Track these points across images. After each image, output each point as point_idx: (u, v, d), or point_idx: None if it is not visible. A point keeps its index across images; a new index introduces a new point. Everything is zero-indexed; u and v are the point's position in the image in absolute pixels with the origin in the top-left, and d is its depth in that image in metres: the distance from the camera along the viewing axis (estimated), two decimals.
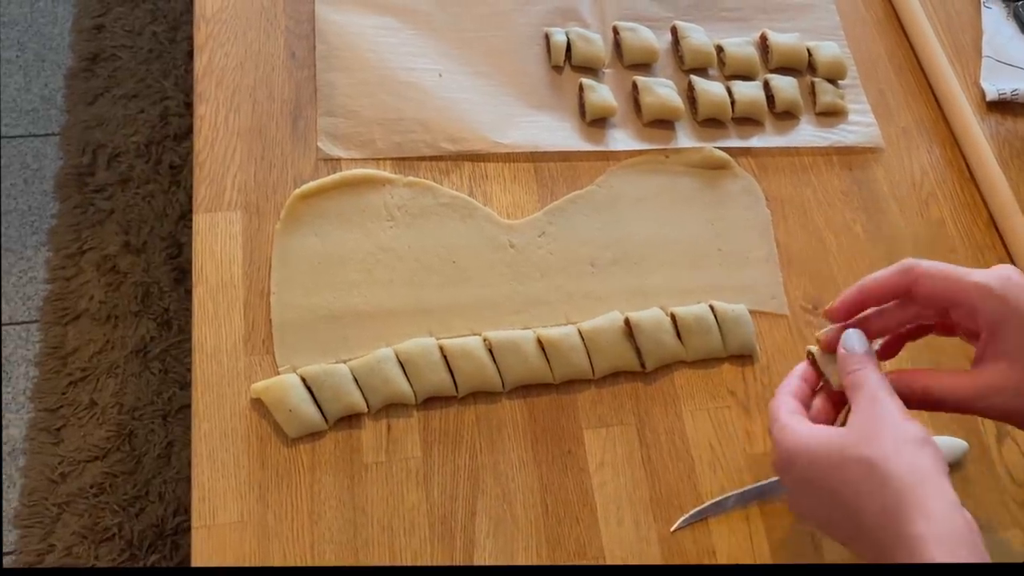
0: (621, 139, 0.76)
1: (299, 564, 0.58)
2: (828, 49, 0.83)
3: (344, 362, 0.63)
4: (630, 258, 0.71)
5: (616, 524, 0.61)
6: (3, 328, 1.30)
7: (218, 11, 0.75)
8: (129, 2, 1.55)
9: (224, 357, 0.63)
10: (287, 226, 0.67)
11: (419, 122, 0.73)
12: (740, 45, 0.81)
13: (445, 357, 0.64)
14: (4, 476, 1.20)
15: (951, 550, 0.42)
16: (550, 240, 0.70)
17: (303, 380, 0.61)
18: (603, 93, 0.76)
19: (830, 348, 0.55)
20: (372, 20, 0.77)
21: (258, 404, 0.61)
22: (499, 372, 0.64)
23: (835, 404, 0.55)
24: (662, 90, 0.77)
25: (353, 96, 0.73)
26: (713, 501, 0.63)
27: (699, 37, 0.81)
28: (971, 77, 0.85)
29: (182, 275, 1.33)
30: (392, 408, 0.63)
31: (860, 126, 0.81)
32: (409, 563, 0.59)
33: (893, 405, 0.48)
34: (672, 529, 0.62)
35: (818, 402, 0.55)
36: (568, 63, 0.79)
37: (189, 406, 0.62)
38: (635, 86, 0.77)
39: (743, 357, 0.69)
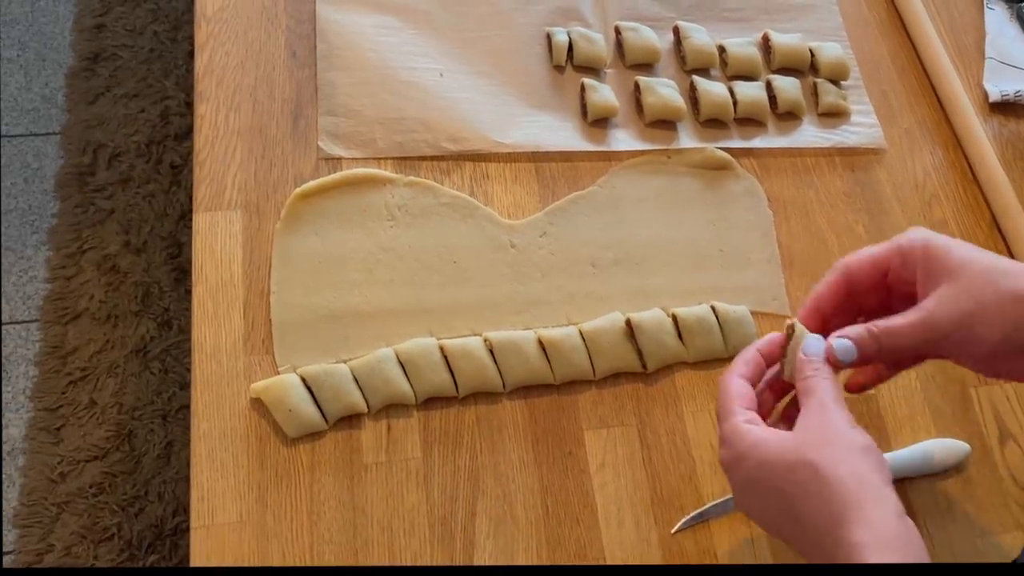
0: (623, 139, 0.76)
1: (298, 565, 0.57)
2: (831, 50, 0.82)
3: (344, 362, 0.63)
4: (632, 259, 0.71)
5: (617, 525, 0.61)
6: (3, 328, 1.30)
7: (219, 10, 0.75)
8: (130, 1, 1.55)
9: (224, 356, 0.63)
10: (287, 225, 0.67)
11: (420, 121, 0.73)
12: (742, 45, 0.81)
13: (446, 357, 0.63)
14: (4, 476, 1.19)
15: (890, 558, 0.43)
16: (551, 240, 0.70)
17: (303, 380, 0.61)
18: (605, 93, 0.76)
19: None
20: (373, 19, 0.77)
21: (258, 404, 0.61)
22: (500, 372, 0.64)
23: (777, 395, 0.57)
24: (664, 90, 0.76)
25: (354, 95, 0.73)
26: (714, 503, 0.62)
27: (701, 37, 0.80)
28: (974, 78, 0.85)
29: (182, 275, 1.33)
30: (392, 408, 0.63)
31: (862, 127, 0.80)
32: (409, 564, 0.58)
33: (841, 414, 0.49)
34: (673, 531, 0.61)
35: (764, 394, 0.56)
36: (570, 63, 0.79)
37: (189, 406, 0.62)
38: (637, 86, 0.77)
39: None
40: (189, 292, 0.67)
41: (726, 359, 0.68)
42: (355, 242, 0.67)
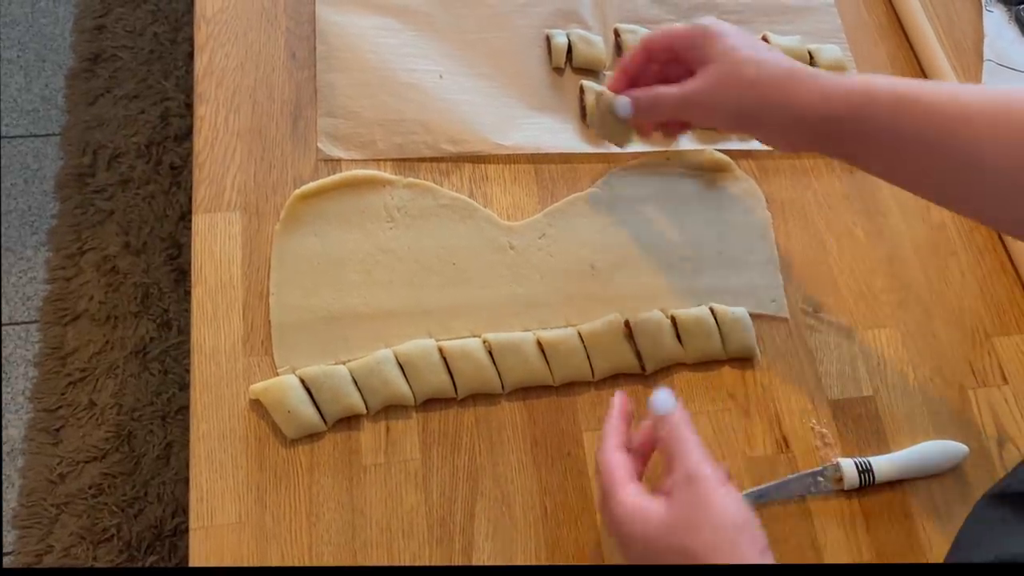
0: None
1: (297, 565, 0.58)
2: (830, 52, 0.82)
3: (343, 363, 0.63)
4: (630, 260, 0.71)
5: None
6: (3, 328, 1.30)
7: (219, 12, 0.75)
8: (130, 3, 1.55)
9: (223, 358, 0.63)
10: (287, 227, 0.67)
11: (420, 123, 0.73)
12: None
13: (444, 359, 0.63)
14: (3, 477, 1.19)
15: None
16: (550, 242, 0.70)
17: (302, 381, 0.61)
18: None
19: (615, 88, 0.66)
20: (373, 21, 0.77)
21: (257, 405, 0.61)
22: (499, 374, 0.64)
23: (646, 456, 0.56)
24: None
25: (353, 97, 0.73)
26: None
27: None
28: (972, 81, 0.85)
29: (182, 276, 1.33)
30: (391, 410, 0.63)
31: None
32: (408, 564, 0.59)
33: (711, 481, 0.49)
34: None
35: (636, 442, 0.55)
36: (569, 65, 0.79)
37: (188, 407, 0.62)
38: None
39: (743, 360, 0.69)
40: (188, 293, 0.68)
41: (725, 361, 0.68)
42: (354, 243, 0.67)
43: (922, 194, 0.59)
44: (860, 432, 0.67)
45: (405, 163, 0.72)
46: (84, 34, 1.52)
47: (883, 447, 0.67)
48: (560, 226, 0.71)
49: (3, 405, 1.24)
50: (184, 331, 1.29)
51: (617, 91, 0.65)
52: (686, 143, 0.77)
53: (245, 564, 0.57)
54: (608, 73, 0.79)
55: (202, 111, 0.71)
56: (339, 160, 0.71)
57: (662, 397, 0.53)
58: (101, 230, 1.36)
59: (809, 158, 0.78)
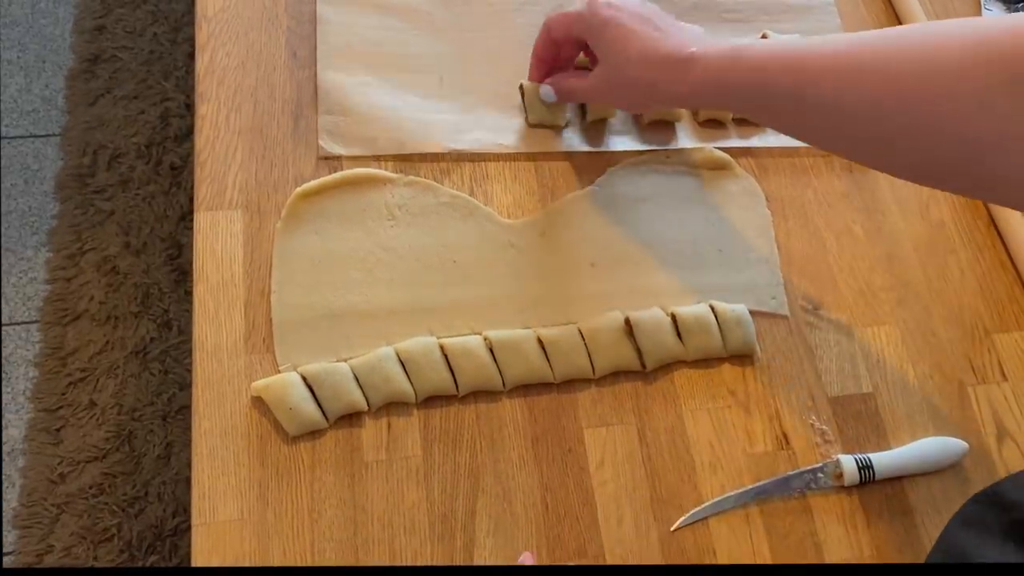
0: (621, 140, 0.76)
1: (299, 562, 0.58)
2: None
3: (345, 361, 0.63)
4: (631, 258, 0.71)
5: (616, 523, 0.61)
6: (3, 328, 1.30)
7: (219, 11, 0.75)
8: (130, 3, 1.56)
9: (224, 355, 0.63)
10: (288, 225, 0.67)
11: (420, 121, 0.73)
12: None
13: (446, 356, 0.64)
14: (4, 476, 1.19)
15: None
16: (551, 240, 0.71)
17: (304, 378, 0.61)
18: None
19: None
20: (374, 20, 0.77)
21: (258, 402, 0.61)
22: (500, 371, 0.64)
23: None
24: None
25: (354, 95, 0.73)
26: (713, 501, 0.63)
27: None
28: None
29: (182, 276, 1.33)
30: (393, 407, 0.63)
31: None
32: (409, 562, 0.59)
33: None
34: (672, 528, 0.62)
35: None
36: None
37: (188, 407, 0.62)
38: None
39: (743, 357, 0.69)
40: (189, 293, 0.68)
41: (725, 358, 0.68)
42: (355, 241, 0.68)
43: (824, 148, 0.68)
44: (860, 429, 0.67)
45: (406, 161, 0.72)
46: (84, 35, 1.53)
47: (883, 444, 0.67)
48: (561, 224, 0.71)
49: (3, 405, 1.24)
50: (184, 331, 1.29)
51: (537, 80, 0.72)
52: (685, 141, 0.77)
53: (247, 561, 0.57)
54: None
55: (203, 110, 0.71)
56: (340, 158, 0.71)
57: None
58: (101, 230, 1.36)
59: (808, 156, 0.79)
